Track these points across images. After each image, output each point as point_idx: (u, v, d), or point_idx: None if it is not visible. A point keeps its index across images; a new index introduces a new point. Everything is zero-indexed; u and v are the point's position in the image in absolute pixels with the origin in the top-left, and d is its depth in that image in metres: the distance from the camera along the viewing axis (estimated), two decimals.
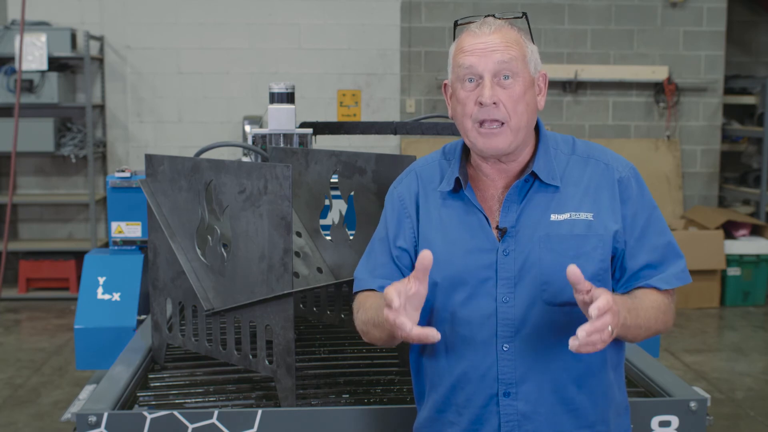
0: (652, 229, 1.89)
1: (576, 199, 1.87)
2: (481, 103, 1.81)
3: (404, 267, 1.96)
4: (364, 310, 1.93)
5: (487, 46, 1.82)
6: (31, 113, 7.48)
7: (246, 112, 7.70)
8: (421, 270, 1.68)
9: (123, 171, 3.35)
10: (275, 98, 3.17)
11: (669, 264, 1.89)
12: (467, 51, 1.84)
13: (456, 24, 1.95)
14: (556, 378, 1.84)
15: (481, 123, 1.83)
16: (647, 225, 1.89)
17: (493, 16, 1.90)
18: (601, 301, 1.60)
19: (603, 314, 1.60)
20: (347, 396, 2.42)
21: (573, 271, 1.63)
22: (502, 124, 1.82)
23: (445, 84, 1.96)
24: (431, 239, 1.90)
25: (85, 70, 7.45)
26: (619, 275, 1.90)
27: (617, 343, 1.93)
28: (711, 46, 8.12)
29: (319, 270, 2.80)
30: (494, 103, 1.81)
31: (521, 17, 1.94)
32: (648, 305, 1.84)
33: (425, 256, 1.68)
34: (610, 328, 1.61)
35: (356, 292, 2.01)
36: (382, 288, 1.93)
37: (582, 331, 1.58)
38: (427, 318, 1.93)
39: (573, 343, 1.59)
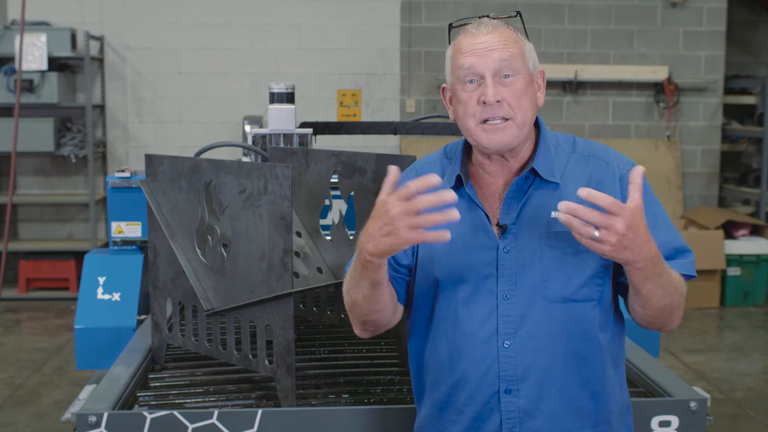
0: (659, 226, 1.89)
1: (576, 197, 1.86)
2: (484, 102, 1.81)
3: (395, 264, 1.96)
4: (345, 281, 1.91)
5: (486, 46, 1.83)
6: (31, 113, 7.48)
7: (246, 112, 7.70)
8: (389, 184, 1.68)
9: (123, 171, 3.35)
10: (275, 98, 3.17)
11: (679, 258, 1.89)
12: (466, 52, 1.84)
13: (450, 27, 1.96)
14: (558, 375, 1.84)
15: (485, 121, 1.83)
16: (654, 221, 1.88)
17: (488, 16, 1.90)
18: (597, 193, 1.59)
19: (592, 210, 1.59)
20: (347, 396, 2.42)
21: (587, 194, 1.61)
22: (507, 119, 1.83)
23: (444, 88, 1.96)
24: None
25: (85, 70, 7.45)
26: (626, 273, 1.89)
27: (618, 341, 1.93)
28: (711, 46, 8.12)
29: (319, 270, 2.80)
30: (497, 102, 1.81)
31: (515, 16, 1.94)
32: (674, 277, 1.81)
33: (392, 171, 1.68)
34: (597, 233, 1.60)
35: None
36: None
37: (563, 204, 1.59)
38: (428, 316, 1.93)
39: (559, 213, 1.61)
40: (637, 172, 1.66)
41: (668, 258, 1.87)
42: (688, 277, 1.89)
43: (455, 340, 1.88)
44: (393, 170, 1.69)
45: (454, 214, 1.62)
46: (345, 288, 1.92)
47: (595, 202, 1.59)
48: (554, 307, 1.84)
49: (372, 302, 1.86)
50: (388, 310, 1.91)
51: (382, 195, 1.68)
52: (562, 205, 1.60)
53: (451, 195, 1.62)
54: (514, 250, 1.85)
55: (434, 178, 1.63)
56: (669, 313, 1.84)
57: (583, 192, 1.59)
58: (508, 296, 1.84)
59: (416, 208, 1.63)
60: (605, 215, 1.60)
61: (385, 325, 1.96)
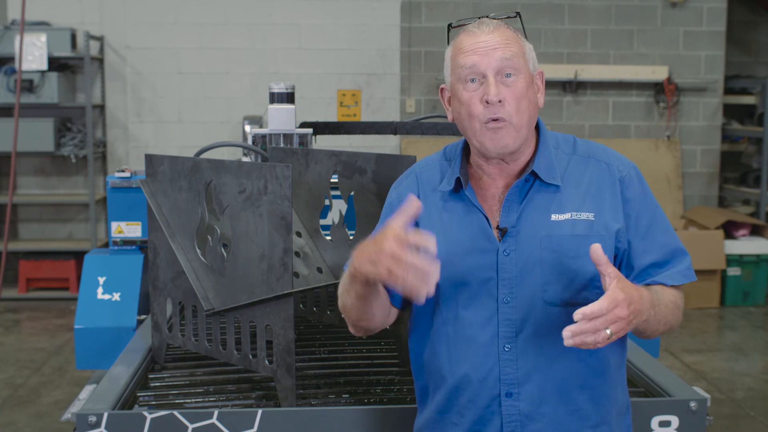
0: (657, 228, 1.89)
1: (577, 199, 1.87)
2: (487, 102, 1.81)
3: None
4: (341, 285, 1.92)
5: (488, 45, 1.82)
6: (31, 113, 7.48)
7: (246, 112, 7.70)
8: (409, 215, 1.67)
9: (123, 171, 3.35)
10: (275, 98, 3.17)
11: (675, 262, 1.89)
12: (468, 51, 1.84)
13: (450, 27, 1.95)
14: (559, 378, 1.84)
15: (487, 121, 1.82)
16: (652, 224, 1.89)
17: (487, 17, 1.89)
18: (589, 308, 1.60)
19: (592, 319, 1.60)
20: (347, 396, 2.42)
21: (595, 249, 1.64)
22: (504, 120, 1.82)
23: (442, 88, 1.95)
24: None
25: (85, 70, 7.45)
26: (625, 274, 1.89)
27: (620, 342, 1.93)
28: (711, 46, 8.12)
29: (319, 270, 2.80)
30: (500, 101, 1.81)
31: (515, 17, 1.94)
32: (667, 300, 1.83)
33: (413, 202, 1.67)
34: (608, 331, 1.61)
35: None
36: None
37: (567, 331, 1.60)
38: (429, 319, 1.93)
39: (566, 341, 1.60)
40: (597, 250, 1.65)
41: (665, 263, 1.88)
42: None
43: (456, 343, 1.88)
44: (413, 201, 1.67)
45: (434, 276, 1.62)
46: (339, 290, 1.93)
47: (593, 317, 1.60)
48: (555, 311, 1.83)
49: (360, 311, 1.87)
50: (377, 318, 1.92)
51: (394, 222, 1.65)
52: (567, 332, 1.60)
53: (435, 274, 1.61)
54: (514, 253, 1.84)
55: (432, 243, 1.62)
56: (669, 329, 1.88)
57: (578, 316, 1.59)
58: (509, 300, 1.84)
59: (403, 257, 1.61)
60: (608, 315, 1.60)
61: (377, 329, 1.97)
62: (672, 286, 1.88)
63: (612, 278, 1.64)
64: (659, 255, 1.88)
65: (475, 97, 1.83)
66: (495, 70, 1.82)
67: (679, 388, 2.34)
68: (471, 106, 1.83)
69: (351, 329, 1.98)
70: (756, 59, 8.88)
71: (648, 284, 1.87)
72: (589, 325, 1.60)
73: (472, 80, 1.83)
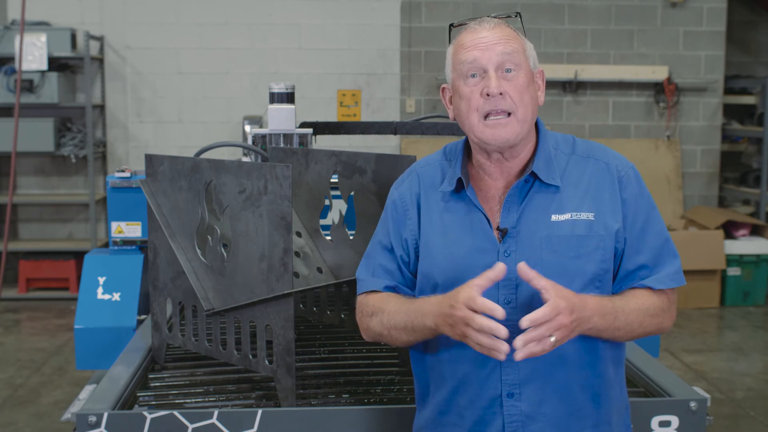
0: (650, 230, 1.89)
1: (576, 199, 1.87)
2: (488, 94, 1.82)
3: (405, 267, 1.96)
4: (388, 314, 1.90)
5: (489, 40, 1.84)
6: (31, 113, 7.48)
7: (246, 112, 7.71)
8: (491, 280, 1.71)
9: (123, 171, 3.35)
10: (275, 98, 3.17)
11: (664, 265, 1.89)
12: (469, 47, 1.85)
13: (451, 26, 1.96)
14: (560, 379, 1.85)
15: (487, 115, 1.83)
16: (645, 225, 1.89)
17: (488, 17, 1.91)
18: (535, 314, 1.65)
19: (539, 325, 1.64)
20: (347, 396, 2.42)
21: (521, 268, 1.69)
22: (509, 114, 1.83)
23: (444, 88, 1.96)
24: (432, 240, 1.91)
25: (85, 70, 7.45)
26: (618, 274, 1.90)
27: (618, 342, 1.93)
28: (711, 46, 8.13)
29: (319, 270, 2.81)
30: (501, 94, 1.82)
31: (515, 17, 1.95)
32: (633, 308, 1.83)
33: (499, 269, 1.71)
34: (553, 338, 1.66)
35: (359, 294, 2.01)
36: (388, 289, 1.94)
37: (518, 341, 1.64)
38: None
39: (517, 354, 1.65)
40: (522, 268, 1.70)
41: (654, 266, 1.88)
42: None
43: (456, 344, 1.87)
44: (498, 267, 1.72)
45: (503, 348, 1.66)
46: (389, 323, 1.90)
47: (538, 323, 1.65)
48: None
49: (410, 345, 1.93)
50: None
51: (470, 288, 1.70)
52: (518, 342, 1.65)
53: (504, 332, 1.66)
54: (514, 253, 1.84)
55: (499, 311, 1.66)
56: (646, 335, 1.89)
57: (526, 323, 1.64)
58: (510, 300, 1.84)
59: (473, 324, 1.68)
60: (552, 322, 1.66)
61: None
62: (660, 290, 1.88)
63: (548, 289, 1.68)
64: (649, 257, 1.88)
65: (476, 91, 1.84)
66: (496, 64, 1.83)
67: (679, 388, 2.34)
68: (471, 100, 1.84)
69: (368, 338, 2.00)
70: (756, 59, 8.88)
71: (634, 287, 1.88)
72: (536, 333, 1.65)
73: (473, 75, 1.84)
